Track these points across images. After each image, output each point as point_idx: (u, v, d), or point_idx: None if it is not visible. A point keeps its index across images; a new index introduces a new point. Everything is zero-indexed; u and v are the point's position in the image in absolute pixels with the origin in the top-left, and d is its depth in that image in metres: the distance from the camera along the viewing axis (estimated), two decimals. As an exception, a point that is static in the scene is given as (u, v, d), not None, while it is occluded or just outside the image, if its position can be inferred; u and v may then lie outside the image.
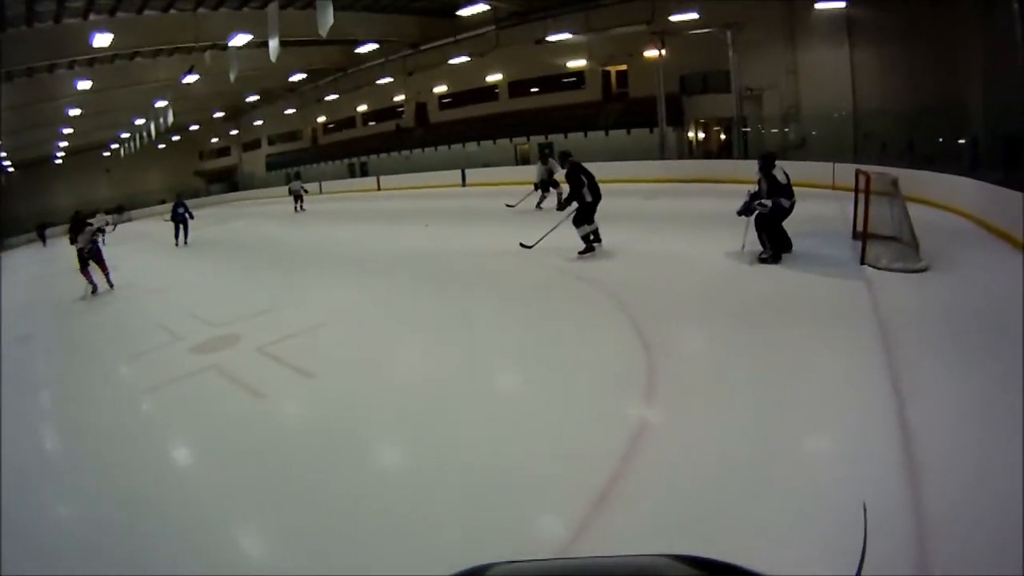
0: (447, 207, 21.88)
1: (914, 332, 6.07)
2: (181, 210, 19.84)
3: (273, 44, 22.47)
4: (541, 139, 28.13)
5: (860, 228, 9.96)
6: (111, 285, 13.38)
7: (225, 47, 23.67)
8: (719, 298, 7.91)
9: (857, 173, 10.04)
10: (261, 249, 17.40)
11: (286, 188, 29.86)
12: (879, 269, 8.38)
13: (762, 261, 9.32)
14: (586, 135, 26.21)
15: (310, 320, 9.01)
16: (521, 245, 11.97)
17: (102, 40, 18.17)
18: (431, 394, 5.92)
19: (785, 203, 9.14)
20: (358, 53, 28.97)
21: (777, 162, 9.41)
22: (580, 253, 10.78)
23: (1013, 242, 9.26)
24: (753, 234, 9.58)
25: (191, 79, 26.38)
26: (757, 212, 9.36)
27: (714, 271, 9.20)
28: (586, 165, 11.04)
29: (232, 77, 26.87)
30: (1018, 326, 5.64)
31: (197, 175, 54.30)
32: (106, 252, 14.00)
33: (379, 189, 33.88)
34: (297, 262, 14.59)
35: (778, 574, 1.06)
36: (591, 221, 10.91)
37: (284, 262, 14.75)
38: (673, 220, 14.14)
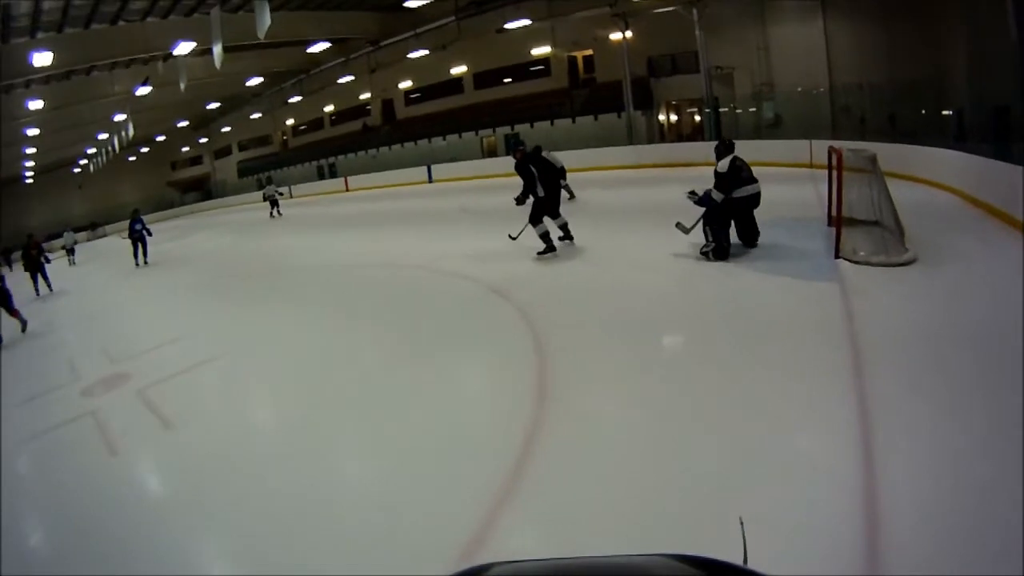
0: (407, 209, 20.53)
1: (897, 357, 4.79)
2: (138, 227, 18.12)
3: (217, 50, 21.31)
4: (507, 130, 26.91)
5: (835, 213, 8.79)
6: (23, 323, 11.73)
7: (181, 57, 22.73)
8: (658, 316, 6.52)
9: (830, 151, 8.80)
10: (204, 267, 15.99)
11: (260, 194, 28.51)
12: (857, 263, 7.14)
13: (703, 255, 8.13)
14: (552, 123, 25.11)
15: (208, 352, 7.83)
16: (509, 237, 10.92)
17: (41, 59, 17.47)
18: (287, 454, 4.75)
19: (715, 197, 8.03)
20: (320, 53, 27.72)
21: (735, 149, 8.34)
22: (538, 254, 9.53)
23: (1011, 222, 8.05)
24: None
25: (144, 91, 25.29)
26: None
27: (663, 277, 7.91)
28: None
29: (182, 86, 25.81)
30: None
31: (170, 185, 52.87)
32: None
33: (347, 190, 32.53)
34: (234, 280, 13.28)
35: (778, 574, 0.92)
36: (554, 216, 9.74)
37: (220, 281, 13.42)
38: (628, 213, 12.96)
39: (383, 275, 10.76)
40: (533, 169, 9.48)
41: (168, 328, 9.62)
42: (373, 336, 7.44)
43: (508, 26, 23.55)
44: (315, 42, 25.72)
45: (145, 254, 17.99)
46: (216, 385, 6.87)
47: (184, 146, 49.98)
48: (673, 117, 25.43)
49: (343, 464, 4.65)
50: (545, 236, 9.50)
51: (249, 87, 33.12)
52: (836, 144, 8.93)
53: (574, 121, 24.65)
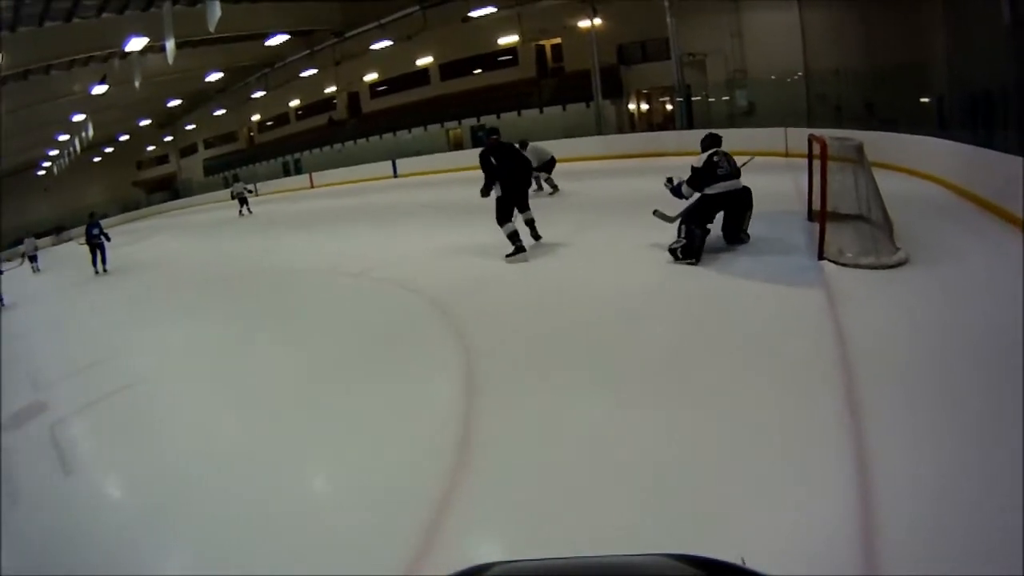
0: (368, 205, 19.44)
1: (895, 381, 3.97)
2: (96, 231, 16.69)
3: (169, 45, 20.32)
4: (474, 122, 25.96)
5: (817, 208, 7.97)
6: None
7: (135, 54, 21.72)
8: (619, 335, 5.49)
9: (810, 139, 7.97)
10: (155, 276, 14.76)
11: (227, 192, 27.28)
12: (843, 265, 6.31)
13: (671, 252, 7.33)
14: (520, 114, 24.17)
15: (125, 378, 6.75)
16: None
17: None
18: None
19: (684, 191, 7.62)
20: (281, 46, 26.60)
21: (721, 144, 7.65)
22: (507, 256, 8.52)
23: (1004, 215, 7.30)
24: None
25: (101, 89, 24.17)
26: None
27: (631, 282, 6.96)
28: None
29: (137, 84, 24.69)
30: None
31: (136, 186, 51.21)
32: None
33: (312, 187, 31.31)
34: (175, 289, 12.18)
35: (778, 574, 0.91)
36: (511, 217, 8.68)
37: (159, 293, 12.31)
38: (598, 207, 12.05)
39: (318, 285, 9.72)
40: (493, 161, 8.53)
41: (100, 347, 8.54)
42: (261, 372, 6.29)
43: (474, 14, 22.74)
44: (273, 35, 24.65)
45: (104, 260, 16.65)
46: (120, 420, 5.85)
47: (149, 145, 48.35)
48: (644, 106, 24.64)
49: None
50: (513, 236, 8.55)
51: (211, 83, 31.92)
52: (816, 132, 8.08)
53: (542, 111, 23.79)
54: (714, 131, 7.98)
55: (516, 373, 4.98)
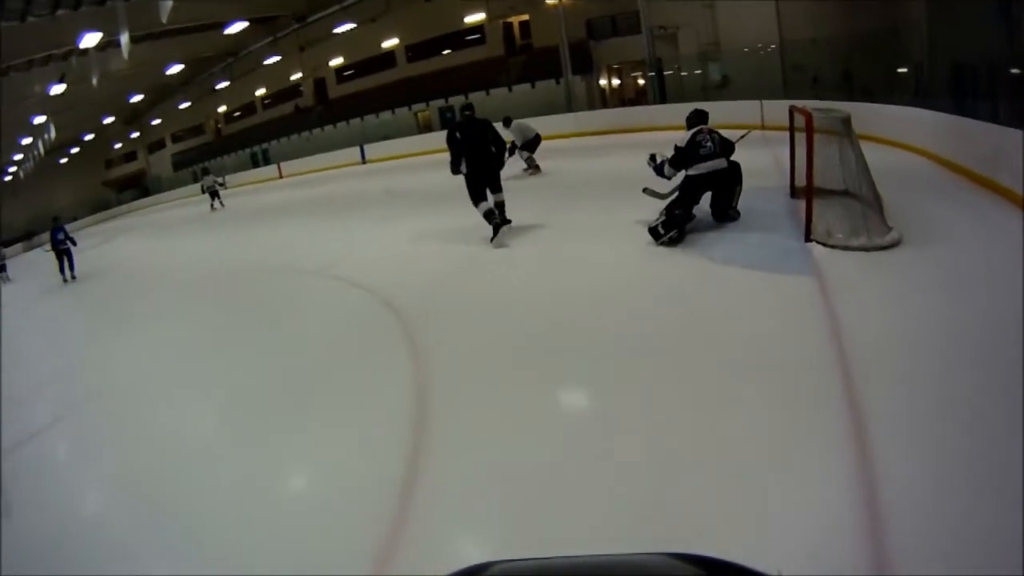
0: (334, 194, 18.61)
1: (900, 381, 3.50)
2: (60, 236, 15.47)
3: (124, 40, 19.45)
4: (442, 103, 25.17)
5: (802, 185, 7.42)
6: None
7: (99, 49, 20.78)
8: (591, 335, 4.90)
9: (792, 111, 7.41)
10: (111, 282, 13.92)
11: (198, 187, 26.07)
12: (832, 247, 5.78)
13: (650, 231, 6.81)
14: (488, 93, 23.34)
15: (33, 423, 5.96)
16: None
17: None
18: None
19: (667, 172, 7.20)
20: (241, 33, 25.61)
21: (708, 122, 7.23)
22: (492, 240, 8.02)
23: (997, 188, 6.81)
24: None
25: (59, 89, 23.12)
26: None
27: (604, 271, 6.39)
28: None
29: (94, 81, 23.72)
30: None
31: (106, 185, 49.70)
32: None
33: (281, 176, 30.32)
34: (122, 299, 11.37)
35: (778, 574, 0.89)
36: (483, 196, 8.15)
37: (110, 301, 11.54)
38: (572, 187, 11.36)
39: (275, 286, 8.97)
40: (458, 136, 7.96)
41: (36, 372, 7.70)
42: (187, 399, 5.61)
43: (438, -8, 21.91)
44: (232, 22, 23.68)
45: (72, 267, 15.51)
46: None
47: (116, 142, 46.87)
48: (615, 81, 23.98)
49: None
50: (488, 215, 8.04)
51: (173, 76, 30.75)
52: (798, 104, 7.52)
53: (510, 90, 23.04)
54: (700, 107, 7.47)
55: (473, 391, 4.38)
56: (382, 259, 8.81)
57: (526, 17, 24.27)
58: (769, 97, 15.04)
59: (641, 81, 22.97)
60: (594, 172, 12.49)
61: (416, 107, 26.41)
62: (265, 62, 29.78)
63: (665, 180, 7.38)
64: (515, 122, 13.04)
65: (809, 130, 5.83)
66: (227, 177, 32.25)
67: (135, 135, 45.78)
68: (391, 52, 27.96)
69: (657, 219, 6.86)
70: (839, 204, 6.46)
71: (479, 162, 8.04)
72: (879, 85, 14.96)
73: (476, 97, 22.99)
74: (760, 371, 3.86)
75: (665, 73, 20.13)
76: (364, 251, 9.55)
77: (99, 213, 42.15)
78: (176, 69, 28.75)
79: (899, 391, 3.39)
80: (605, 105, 22.54)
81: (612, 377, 4.17)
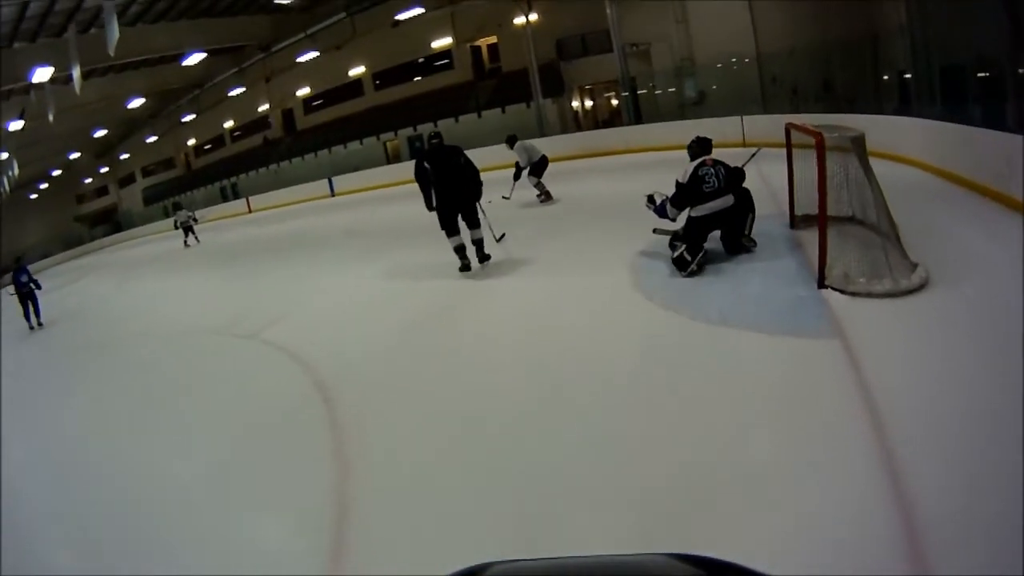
0: (298, 231, 17.34)
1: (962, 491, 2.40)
2: (24, 279, 13.98)
3: (75, 74, 18.30)
4: (411, 131, 24.16)
5: (804, 214, 6.43)
6: None
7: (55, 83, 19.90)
8: (572, 425, 3.81)
9: (788, 129, 6.41)
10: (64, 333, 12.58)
11: (171, 222, 24.39)
12: (853, 295, 4.75)
13: (674, 262, 5.97)
14: (457, 120, 22.32)
15: None
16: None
17: None
18: None
19: (670, 213, 6.20)
20: (198, 65, 24.58)
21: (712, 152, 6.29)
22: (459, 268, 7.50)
23: (1010, 203, 5.93)
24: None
25: (17, 125, 21.96)
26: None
27: (587, 326, 5.32)
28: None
29: (51, 117, 22.55)
30: None
31: (78, 220, 48.08)
32: None
33: (250, 211, 29.00)
34: (56, 358, 10.20)
35: (778, 574, 0.87)
36: (456, 228, 7.32)
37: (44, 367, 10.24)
38: (550, 218, 10.24)
39: (191, 354, 7.68)
40: (426, 166, 7.07)
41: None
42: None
43: (402, 16, 20.91)
44: (189, 53, 22.58)
45: (37, 313, 13.97)
46: None
47: (86, 177, 45.43)
48: (587, 102, 23.08)
49: None
50: (459, 251, 7.38)
51: (137, 109, 29.53)
52: (797, 120, 6.50)
53: (480, 115, 21.98)
54: (703, 136, 6.43)
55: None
56: (333, 312, 7.70)
57: (494, 40, 23.35)
58: (749, 112, 14.25)
59: (615, 101, 22.15)
60: (572, 199, 11.41)
61: (385, 136, 25.27)
62: (230, 93, 28.64)
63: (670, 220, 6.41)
64: (519, 143, 11.72)
65: (821, 154, 4.80)
66: (196, 213, 30.97)
67: (104, 170, 44.43)
68: (358, 80, 26.89)
69: (679, 247, 5.93)
70: (851, 237, 5.44)
71: (450, 192, 7.14)
72: (863, 94, 14.25)
73: (445, 124, 22.01)
74: (770, 474, 2.79)
75: (639, 92, 19.26)
76: (316, 302, 8.38)
77: (72, 249, 40.61)
78: (138, 103, 27.63)
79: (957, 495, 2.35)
80: (579, 128, 21.59)
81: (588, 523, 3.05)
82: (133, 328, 10.22)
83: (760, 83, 16.63)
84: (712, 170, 5.95)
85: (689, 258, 5.83)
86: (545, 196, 11.57)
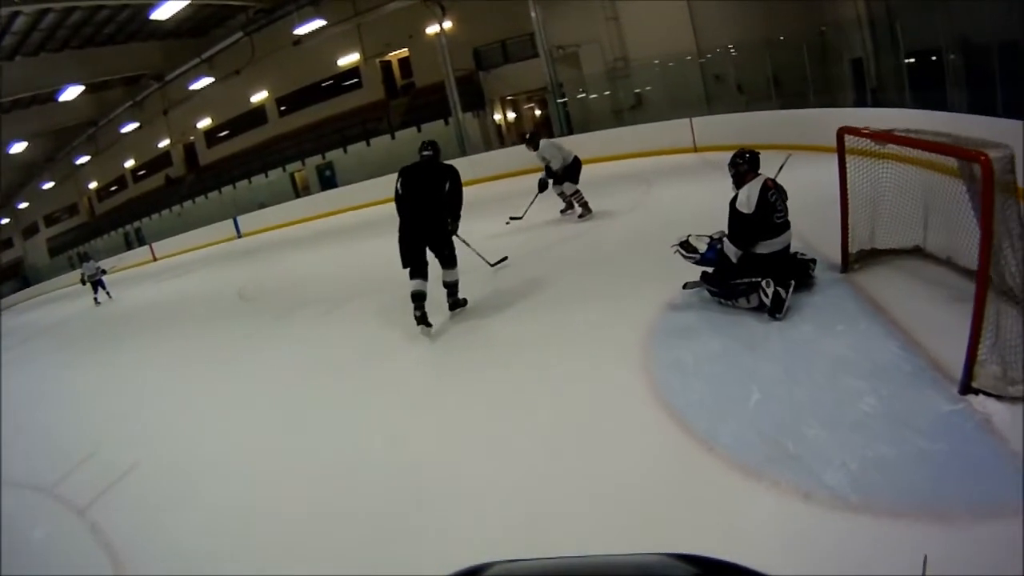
0: (192, 293, 13.49)
1: None
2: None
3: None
4: (319, 160, 21.49)
5: (855, 250, 4.20)
6: None
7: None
8: None
9: (841, 135, 4.14)
10: None
11: (77, 276, 20.10)
12: (1014, 401, 2.46)
13: (772, 304, 4.06)
14: (368, 143, 19.78)
15: None
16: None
17: None
18: None
19: (729, 252, 4.29)
20: (76, 100, 21.36)
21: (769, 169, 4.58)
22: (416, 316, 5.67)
23: None
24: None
25: None
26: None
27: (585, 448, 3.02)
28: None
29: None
30: None
31: (-18, 277, 43.38)
32: None
33: (154, 259, 25.46)
34: None
35: (778, 574, 0.86)
36: (418, 268, 5.54)
37: None
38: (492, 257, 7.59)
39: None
40: (398, 189, 5.53)
41: None
42: None
43: (302, 31, 18.24)
44: (64, 88, 19.44)
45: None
46: None
47: (-18, 230, 40.89)
48: (511, 114, 20.77)
49: None
50: (414, 297, 5.48)
51: (23, 154, 25.92)
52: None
53: (393, 137, 19.41)
54: (747, 148, 4.32)
55: None
56: (190, 465, 4.81)
57: (405, 53, 20.79)
58: (694, 112, 12.24)
59: (538, 112, 20.03)
60: (514, 236, 8.74)
61: (292, 167, 22.39)
62: (122, 130, 25.39)
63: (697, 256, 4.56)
64: (544, 142, 8.74)
65: (988, 190, 2.47)
66: (102, 264, 27.16)
67: (5, 221, 40.03)
68: (261, 107, 23.97)
69: (763, 289, 4.07)
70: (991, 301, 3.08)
71: (418, 219, 5.46)
72: (820, 87, 12.57)
73: (356, 149, 19.40)
74: None
75: (560, 101, 16.99)
76: (173, 444, 5.29)
77: (-32, 310, 36.16)
78: (20, 147, 24.16)
79: None
80: (503, 143, 19.17)
81: None
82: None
83: (703, 82, 14.62)
84: (776, 191, 4.14)
85: (784, 294, 3.99)
86: (583, 208, 8.75)
